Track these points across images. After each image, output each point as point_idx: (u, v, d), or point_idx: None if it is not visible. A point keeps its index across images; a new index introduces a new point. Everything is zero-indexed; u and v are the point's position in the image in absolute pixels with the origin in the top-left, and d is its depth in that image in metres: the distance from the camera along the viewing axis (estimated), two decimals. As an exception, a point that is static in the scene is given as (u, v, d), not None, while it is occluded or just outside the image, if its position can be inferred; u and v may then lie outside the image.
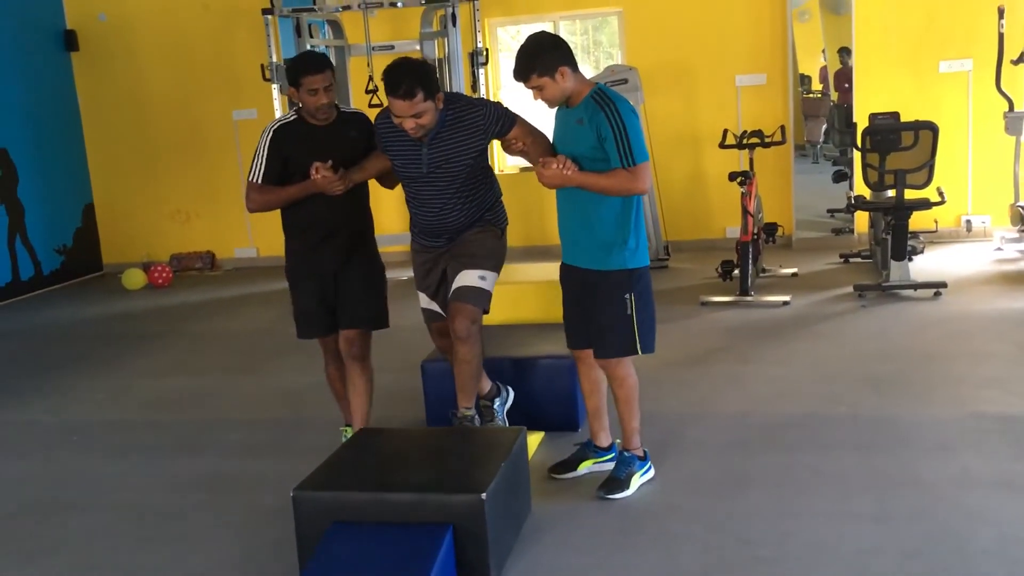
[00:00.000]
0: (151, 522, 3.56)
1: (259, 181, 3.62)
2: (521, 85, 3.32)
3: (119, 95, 9.12)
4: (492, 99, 3.60)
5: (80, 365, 5.97)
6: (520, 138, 3.47)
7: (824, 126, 12.06)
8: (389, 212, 7.62)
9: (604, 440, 3.62)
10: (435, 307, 3.71)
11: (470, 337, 3.53)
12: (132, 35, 8.98)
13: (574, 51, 3.33)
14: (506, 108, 3.56)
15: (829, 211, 9.12)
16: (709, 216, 8.29)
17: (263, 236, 8.82)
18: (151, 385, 5.44)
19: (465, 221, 3.58)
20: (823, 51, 9.30)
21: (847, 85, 11.74)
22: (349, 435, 3.85)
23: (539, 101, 3.34)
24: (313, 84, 3.49)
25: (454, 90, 7.12)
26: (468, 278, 3.55)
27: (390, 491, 2.96)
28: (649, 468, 3.51)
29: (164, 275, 8.47)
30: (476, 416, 3.68)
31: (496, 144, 3.69)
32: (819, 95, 10.30)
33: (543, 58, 3.19)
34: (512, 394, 3.95)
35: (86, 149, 9.27)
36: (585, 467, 3.62)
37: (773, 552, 2.97)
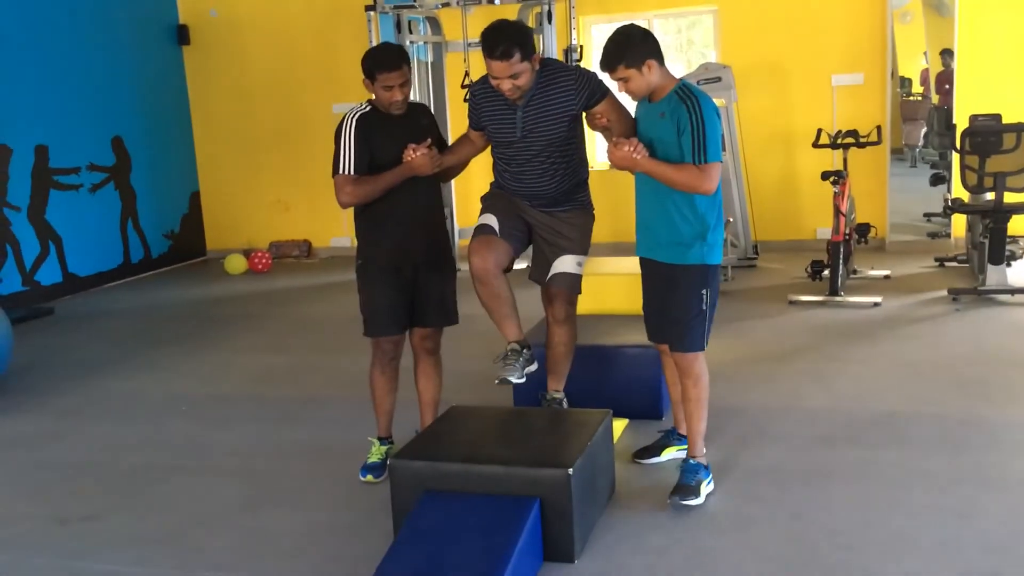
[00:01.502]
0: (256, 486, 3.78)
1: (352, 172, 3.55)
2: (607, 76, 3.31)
3: (226, 88, 9.52)
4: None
5: (186, 342, 6.30)
6: (606, 114, 3.46)
7: (924, 129, 11.79)
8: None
9: (686, 429, 3.60)
10: (494, 224, 3.56)
11: (568, 319, 3.68)
12: (240, 30, 9.37)
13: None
14: (600, 80, 3.50)
15: (926, 215, 8.95)
16: (799, 217, 8.23)
17: (358, 226, 9.10)
18: (252, 362, 5.72)
19: (555, 189, 3.57)
20: (925, 53, 9.14)
21: (948, 87, 11.45)
22: (377, 449, 3.81)
23: (623, 92, 3.33)
24: (388, 81, 3.47)
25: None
26: (567, 264, 3.63)
27: (481, 463, 3.11)
28: (711, 479, 3.44)
29: (264, 261, 8.83)
30: (564, 399, 3.79)
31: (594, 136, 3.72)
32: (919, 98, 10.10)
33: (631, 50, 3.20)
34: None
35: (194, 139, 9.71)
36: (668, 453, 3.70)
37: (854, 540, 3.01)
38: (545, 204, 3.61)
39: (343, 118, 3.63)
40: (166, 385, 5.33)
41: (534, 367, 3.64)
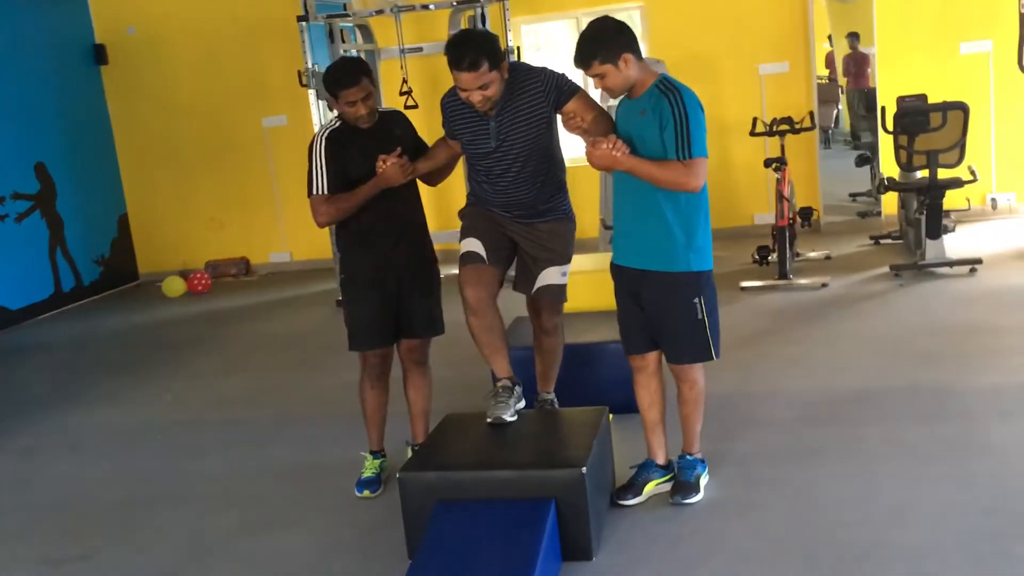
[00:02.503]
0: (248, 511, 3.71)
1: (325, 191, 3.52)
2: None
3: (149, 106, 9.26)
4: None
5: (138, 370, 6.11)
6: (579, 113, 3.28)
7: (835, 111, 12.18)
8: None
9: (662, 458, 3.44)
10: (481, 251, 3.48)
11: (556, 329, 3.72)
12: (161, 47, 9.12)
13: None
14: (568, 79, 3.41)
15: (852, 195, 9.27)
16: (736, 204, 8.43)
17: (297, 240, 8.97)
18: (213, 385, 5.59)
19: (535, 197, 3.50)
20: (829, 37, 9.37)
21: (857, 70, 11.84)
22: (371, 464, 3.78)
23: (600, 90, 3.18)
24: (350, 96, 3.44)
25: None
26: (552, 276, 3.60)
27: (492, 469, 3.11)
28: (706, 468, 3.42)
29: (203, 282, 8.62)
30: (555, 399, 3.82)
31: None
32: (827, 80, 10.44)
33: (605, 44, 3.04)
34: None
35: (118, 161, 9.42)
36: (651, 489, 3.40)
37: (856, 515, 3.11)
38: (525, 215, 3.53)
39: (314, 137, 3.59)
40: (126, 416, 5.17)
41: (523, 404, 3.54)
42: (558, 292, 3.65)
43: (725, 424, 3.87)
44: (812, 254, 7.21)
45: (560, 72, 3.47)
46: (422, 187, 3.77)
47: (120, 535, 3.61)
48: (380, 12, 7.42)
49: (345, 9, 7.48)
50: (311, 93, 7.58)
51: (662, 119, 3.05)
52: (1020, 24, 7.30)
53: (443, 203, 8.05)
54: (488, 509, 3.03)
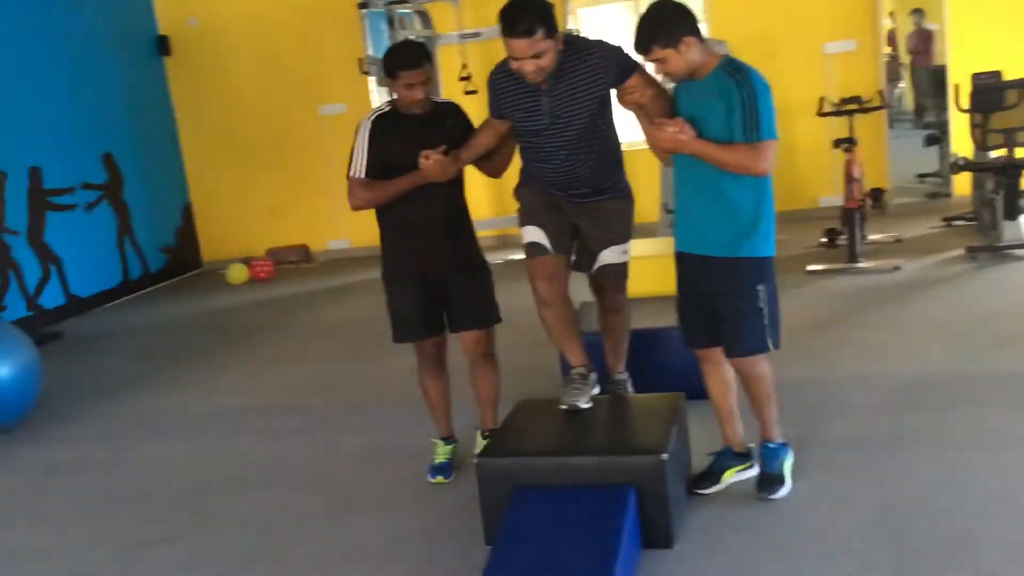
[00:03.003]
0: (325, 495, 3.74)
1: (362, 175, 3.46)
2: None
3: (211, 96, 9.38)
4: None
5: (207, 356, 6.21)
6: (638, 88, 3.17)
7: (897, 90, 11.86)
8: (477, 194, 7.75)
9: (741, 445, 3.37)
10: (545, 241, 3.42)
11: (622, 306, 3.66)
12: (221, 38, 9.23)
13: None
14: (627, 54, 3.24)
15: (919, 175, 9.05)
16: (800, 187, 8.28)
17: (355, 227, 9.01)
18: (281, 372, 5.65)
19: (590, 175, 3.36)
20: (891, 14, 9.12)
21: (921, 48, 11.51)
22: (442, 449, 3.78)
23: (660, 75, 3.09)
24: (410, 79, 3.37)
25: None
26: (613, 255, 3.51)
27: (571, 455, 3.09)
28: (790, 452, 3.29)
29: (265, 269, 8.73)
30: (629, 379, 3.77)
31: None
32: (888, 58, 10.17)
33: (665, 28, 2.94)
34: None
35: (181, 150, 9.56)
36: (729, 477, 3.34)
37: (948, 503, 3.03)
38: (581, 194, 3.42)
39: (361, 119, 3.54)
40: (199, 401, 5.25)
41: (597, 390, 3.52)
42: (620, 270, 3.56)
43: (803, 410, 3.80)
44: (880, 236, 7.05)
45: (620, 46, 3.32)
46: (478, 175, 3.68)
47: (199, 518, 3.66)
48: (440, -3, 7.41)
49: (405, -5, 7.49)
50: (371, 80, 7.62)
51: (729, 101, 2.95)
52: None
53: (501, 189, 8.04)
54: (567, 496, 3.00)
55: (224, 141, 9.46)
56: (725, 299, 3.11)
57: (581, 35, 3.39)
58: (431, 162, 3.36)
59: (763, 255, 3.09)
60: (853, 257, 6.23)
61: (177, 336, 7.00)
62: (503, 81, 3.34)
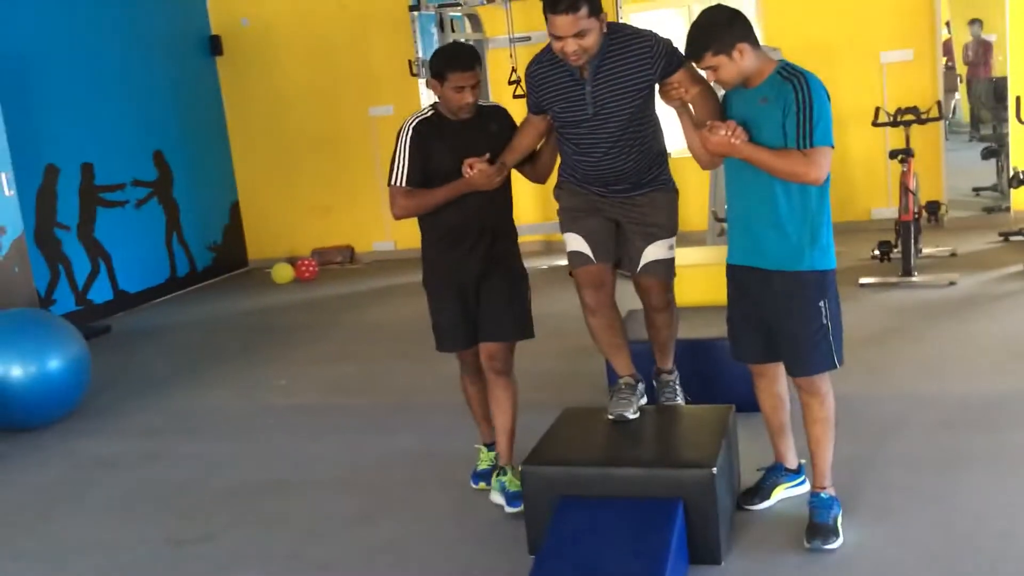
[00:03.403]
0: (367, 497, 3.71)
1: (404, 184, 3.34)
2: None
3: (261, 96, 9.45)
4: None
5: (253, 355, 6.23)
6: (684, 84, 3.05)
7: (954, 101, 11.62)
8: (521, 199, 7.71)
9: (792, 461, 3.29)
10: (587, 250, 3.34)
11: (669, 305, 3.48)
12: (272, 38, 9.29)
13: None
14: (675, 47, 3.12)
15: (975, 189, 8.84)
16: (852, 198, 8.13)
17: (400, 228, 8.99)
18: (327, 372, 5.65)
19: (633, 168, 3.25)
20: (947, 23, 8.94)
21: (979, 59, 11.26)
22: (485, 456, 3.70)
23: (713, 83, 3.00)
24: (460, 81, 3.21)
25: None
26: (659, 251, 3.34)
27: (619, 466, 3.03)
28: (840, 506, 3.06)
29: (311, 269, 8.76)
30: (677, 378, 3.66)
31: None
32: (945, 69, 9.96)
33: (719, 34, 2.84)
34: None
35: (231, 149, 9.65)
36: (779, 493, 3.26)
37: (1008, 526, 2.93)
38: (623, 188, 3.30)
39: (403, 124, 3.39)
40: (246, 399, 5.26)
41: (645, 400, 3.45)
42: (667, 267, 3.38)
43: (856, 428, 3.69)
44: (935, 250, 6.88)
45: (667, 38, 3.20)
46: (522, 179, 3.55)
47: (241, 517, 3.65)
48: (491, 1, 7.38)
49: (456, -2, 7.48)
50: (420, 82, 7.62)
51: (785, 105, 2.83)
52: None
53: (545, 194, 7.99)
54: (614, 507, 2.94)
55: (272, 141, 9.52)
56: (786, 316, 2.97)
57: (625, 23, 3.19)
58: (476, 171, 3.24)
59: (825, 268, 2.95)
60: (907, 271, 6.08)
61: (222, 334, 7.05)
62: (543, 70, 3.22)
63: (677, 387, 3.72)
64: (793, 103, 2.81)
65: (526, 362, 3.77)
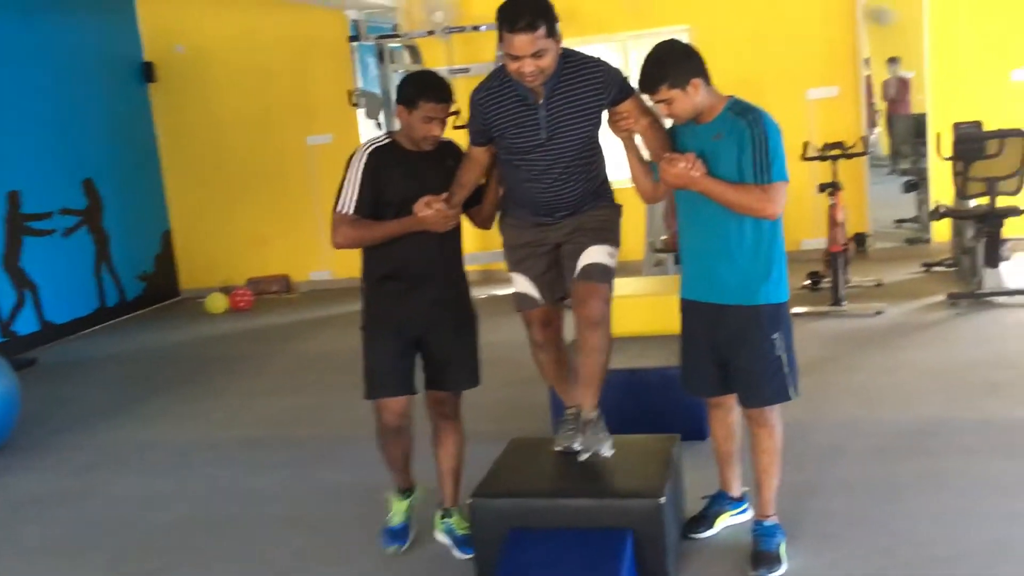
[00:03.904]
0: (315, 533, 3.67)
1: (351, 211, 3.15)
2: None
3: (196, 124, 9.33)
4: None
5: (188, 387, 6.11)
6: (632, 114, 3.02)
7: (874, 136, 12.04)
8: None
9: (736, 490, 3.34)
10: (535, 292, 3.24)
11: (604, 320, 3.13)
12: (209, 65, 9.19)
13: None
14: (626, 77, 3.09)
15: (898, 221, 9.16)
16: (784, 229, 8.33)
17: (338, 258, 8.93)
18: (263, 404, 5.57)
19: (581, 194, 3.17)
20: (865, 61, 9.27)
21: (898, 96, 11.71)
22: (399, 507, 3.48)
23: (665, 117, 3.00)
24: (432, 112, 3.09)
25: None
26: (597, 254, 3.15)
27: (568, 497, 3.05)
28: (784, 534, 3.13)
29: (245, 299, 8.64)
30: (602, 420, 3.27)
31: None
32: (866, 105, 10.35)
33: (675, 68, 2.86)
34: None
35: (163, 177, 9.49)
36: (723, 521, 3.32)
37: (947, 552, 3.02)
38: (571, 213, 3.20)
39: (357, 148, 3.23)
40: (179, 432, 5.15)
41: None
42: (605, 273, 3.15)
43: (796, 456, 3.78)
44: (862, 280, 7.11)
45: (617, 67, 3.18)
46: None
47: (189, 555, 3.58)
48: (431, 33, 7.44)
49: (395, 30, 7.51)
50: (359, 112, 7.63)
51: (740, 141, 2.87)
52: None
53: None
54: (563, 538, 2.96)
55: (207, 169, 9.40)
56: (741, 349, 3.00)
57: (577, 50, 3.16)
58: (432, 211, 3.06)
59: (778, 301, 3.01)
60: (837, 300, 6.27)
61: (155, 365, 6.89)
62: (491, 97, 3.10)
63: (603, 431, 3.28)
64: (748, 140, 2.86)
65: (468, 392, 3.73)
